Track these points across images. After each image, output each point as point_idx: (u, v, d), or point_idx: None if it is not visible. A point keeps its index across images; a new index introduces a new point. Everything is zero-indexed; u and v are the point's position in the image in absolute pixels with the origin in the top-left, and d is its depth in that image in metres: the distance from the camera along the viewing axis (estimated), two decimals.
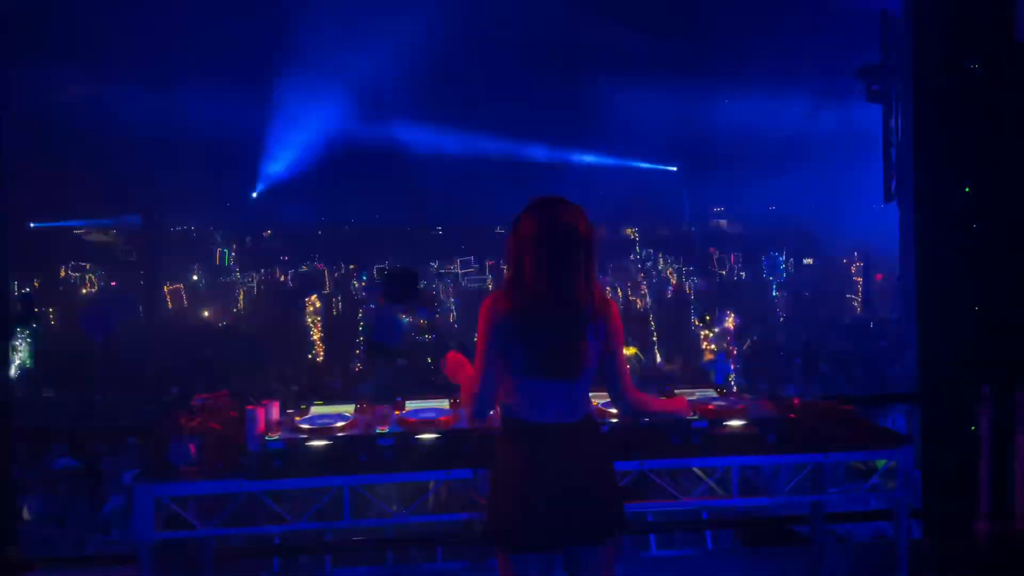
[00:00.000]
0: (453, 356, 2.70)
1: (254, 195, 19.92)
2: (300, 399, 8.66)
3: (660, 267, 21.04)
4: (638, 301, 17.42)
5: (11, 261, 3.01)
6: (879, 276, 14.96)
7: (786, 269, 17.96)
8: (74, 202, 17.58)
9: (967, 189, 4.19)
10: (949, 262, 4.06)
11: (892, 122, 10.66)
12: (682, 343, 9.98)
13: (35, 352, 12.66)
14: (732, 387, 3.38)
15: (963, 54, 4.01)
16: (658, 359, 9.11)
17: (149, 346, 13.94)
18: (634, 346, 9.51)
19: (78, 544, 6.42)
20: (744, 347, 8.82)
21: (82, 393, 10.49)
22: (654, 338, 10.52)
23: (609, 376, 2.52)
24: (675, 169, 19.12)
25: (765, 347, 10.63)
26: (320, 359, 12.77)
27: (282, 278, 21.43)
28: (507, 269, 2.46)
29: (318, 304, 14.09)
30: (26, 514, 6.46)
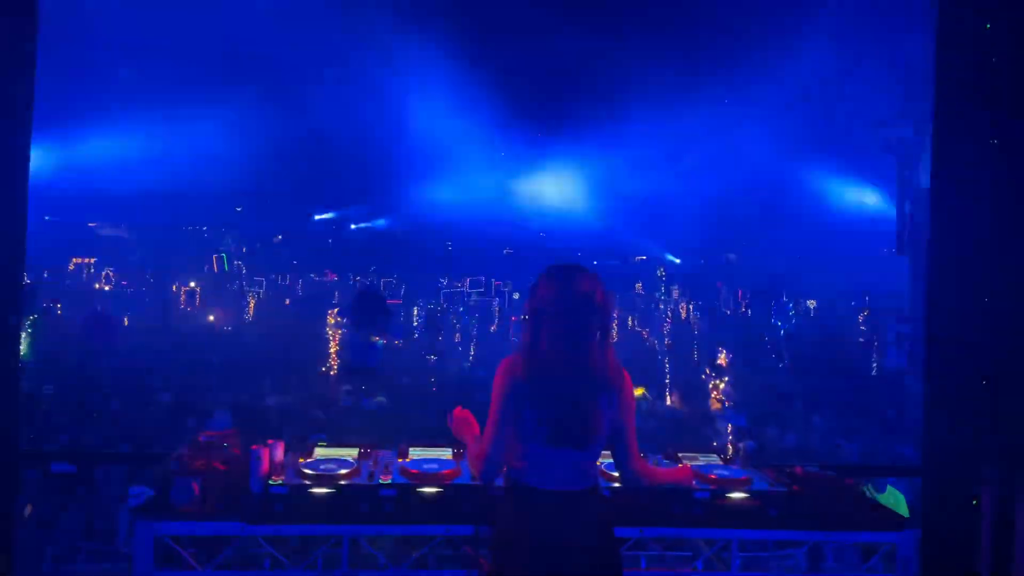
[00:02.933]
0: (460, 413, 2.71)
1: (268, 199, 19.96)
2: (305, 414, 8.66)
3: (672, 299, 20.94)
4: (644, 332, 17.38)
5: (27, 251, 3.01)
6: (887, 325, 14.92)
7: (794, 314, 17.92)
8: (89, 197, 17.66)
9: (980, 263, 4.19)
10: (958, 335, 4.04)
11: (906, 174, 10.70)
12: (688, 382, 9.92)
13: (38, 346, 12.60)
14: (742, 436, 3.37)
15: (985, 132, 4.01)
16: (668, 401, 9.05)
17: (153, 348, 13.95)
18: (641, 386, 9.35)
19: (69, 551, 6.39)
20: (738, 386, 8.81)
21: (82, 392, 10.47)
22: (667, 380, 10.48)
23: (617, 445, 2.53)
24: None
25: (768, 391, 10.57)
26: (333, 372, 12.72)
27: (290, 298, 21.31)
28: (524, 333, 2.48)
29: (339, 318, 13.94)
30: (28, 510, 6.44)
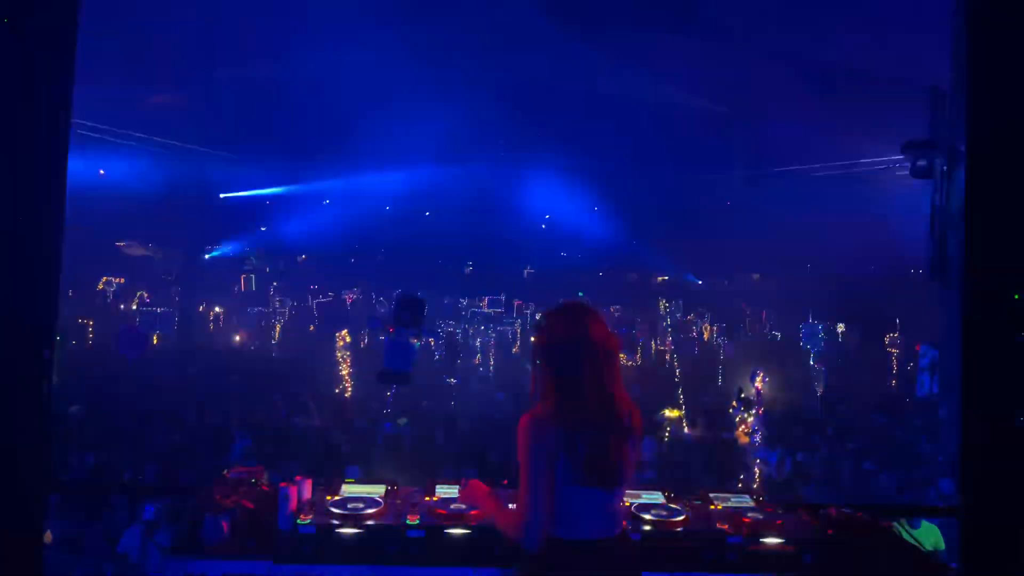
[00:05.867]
0: (476, 485, 2.67)
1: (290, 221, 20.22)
2: (327, 438, 8.65)
3: (689, 320, 20.73)
4: (667, 355, 17.20)
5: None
6: (919, 346, 14.62)
7: (823, 337, 17.61)
8: (117, 217, 17.92)
9: (1016, 296, 4.10)
10: (994, 370, 3.93)
11: (937, 198, 10.52)
12: (713, 410, 9.76)
13: (61, 366, 12.69)
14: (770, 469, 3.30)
15: (1021, 160, 3.93)
16: (689, 430, 8.93)
17: (177, 367, 14.06)
18: (677, 409, 9.25)
19: (95, 573, 6.41)
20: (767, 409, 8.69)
21: (107, 412, 10.54)
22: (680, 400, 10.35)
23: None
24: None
25: (795, 416, 10.39)
26: (348, 394, 12.70)
27: (311, 320, 21.39)
28: (545, 380, 2.42)
29: (348, 339, 13.95)
30: (48, 537, 6.48)
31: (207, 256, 21.06)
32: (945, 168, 10.25)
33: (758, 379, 10.15)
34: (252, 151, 17.83)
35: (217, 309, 20.54)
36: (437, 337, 17.60)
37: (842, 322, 18.80)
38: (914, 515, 4.65)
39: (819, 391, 14.06)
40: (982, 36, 4.01)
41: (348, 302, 22.11)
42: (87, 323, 17.95)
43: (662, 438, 8.60)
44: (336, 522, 2.72)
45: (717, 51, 13.02)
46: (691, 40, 12.64)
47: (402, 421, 9.90)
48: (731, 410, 8.41)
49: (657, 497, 3.08)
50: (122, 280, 21.10)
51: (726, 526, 2.81)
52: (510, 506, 2.72)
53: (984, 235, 4.11)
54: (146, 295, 20.41)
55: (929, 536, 5.14)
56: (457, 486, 3.13)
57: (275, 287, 21.93)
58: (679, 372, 13.56)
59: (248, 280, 22.00)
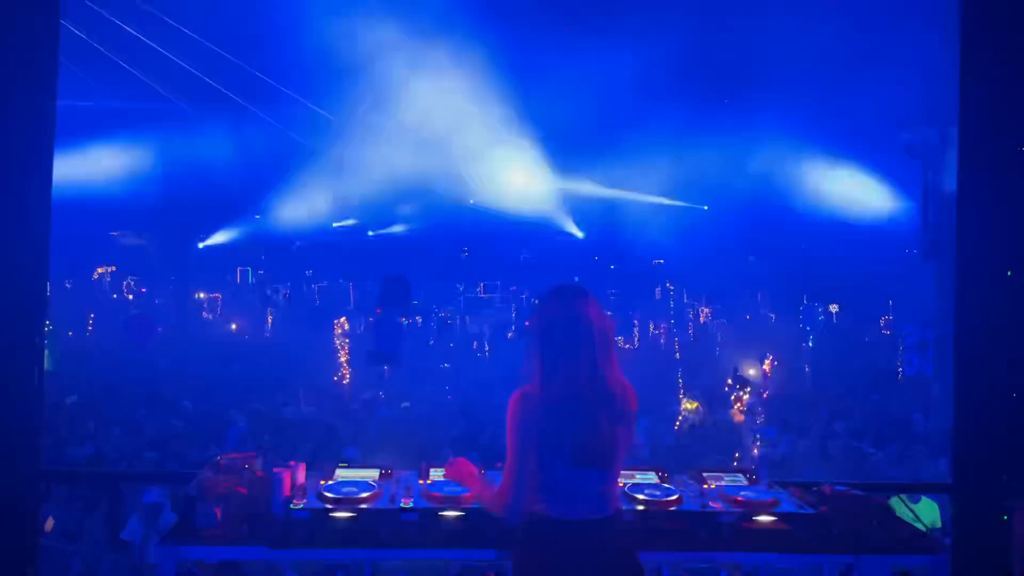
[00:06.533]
0: (461, 463, 2.68)
1: (284, 208, 20.11)
2: (324, 422, 8.67)
3: (684, 302, 20.76)
4: (663, 338, 17.25)
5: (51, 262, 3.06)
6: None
7: (822, 319, 17.62)
8: (111, 206, 17.82)
9: (1009, 273, 4.10)
10: (987, 349, 3.95)
11: (930, 177, 10.50)
12: (710, 390, 9.80)
13: (56, 356, 12.64)
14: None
15: (1014, 138, 3.93)
16: (689, 412, 9.04)
17: (175, 355, 14.05)
18: (696, 400, 9.32)
19: (94, 562, 6.43)
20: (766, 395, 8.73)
21: (105, 402, 10.54)
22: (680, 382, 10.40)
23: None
24: (706, 207, 19.05)
25: (792, 396, 10.43)
26: (346, 381, 12.68)
27: (310, 307, 21.31)
28: (536, 360, 2.43)
29: (347, 326, 13.88)
30: (50, 524, 6.49)
31: (201, 245, 20.94)
32: (937, 146, 10.23)
33: (766, 362, 10.17)
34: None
35: (208, 296, 20.47)
36: (432, 322, 17.63)
37: (835, 303, 18.85)
38: (905, 492, 4.68)
39: (807, 370, 14.15)
40: (976, 12, 3.99)
41: (349, 289, 22.08)
42: (86, 313, 17.90)
43: (676, 427, 8.68)
44: (330, 507, 2.73)
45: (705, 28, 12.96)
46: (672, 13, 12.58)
47: (404, 405, 9.95)
48: (726, 389, 8.46)
49: (650, 477, 3.09)
50: (114, 268, 21.02)
51: (719, 505, 2.82)
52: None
53: (977, 213, 4.11)
54: (132, 282, 20.33)
55: (928, 513, 5.16)
56: None
57: (262, 275, 21.86)
58: (678, 354, 13.62)
59: (244, 272, 21.94)
